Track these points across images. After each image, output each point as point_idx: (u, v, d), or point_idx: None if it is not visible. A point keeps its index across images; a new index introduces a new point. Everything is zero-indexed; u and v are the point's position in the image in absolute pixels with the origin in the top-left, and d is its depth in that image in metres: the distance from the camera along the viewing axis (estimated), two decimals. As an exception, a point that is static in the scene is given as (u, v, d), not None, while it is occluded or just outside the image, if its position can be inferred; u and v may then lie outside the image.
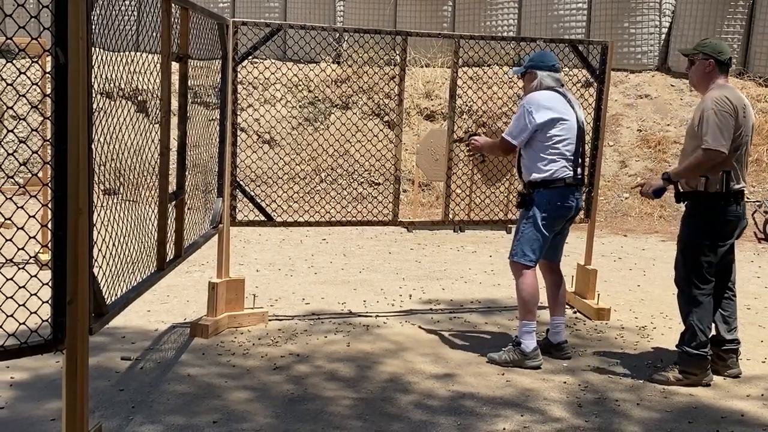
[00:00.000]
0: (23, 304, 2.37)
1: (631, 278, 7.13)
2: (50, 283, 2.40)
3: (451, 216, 5.87)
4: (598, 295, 5.85)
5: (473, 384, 4.28)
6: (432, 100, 11.82)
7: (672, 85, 11.91)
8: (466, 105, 5.85)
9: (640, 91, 11.87)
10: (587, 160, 4.78)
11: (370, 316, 5.55)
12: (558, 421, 3.81)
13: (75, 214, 2.35)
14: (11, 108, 2.21)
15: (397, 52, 5.38)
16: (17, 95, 2.33)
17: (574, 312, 5.87)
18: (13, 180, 6.16)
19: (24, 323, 2.44)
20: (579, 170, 4.70)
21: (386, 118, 11.46)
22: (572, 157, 4.63)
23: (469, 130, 6.32)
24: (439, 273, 7.15)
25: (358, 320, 5.47)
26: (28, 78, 2.25)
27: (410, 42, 6.06)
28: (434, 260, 7.71)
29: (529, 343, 4.58)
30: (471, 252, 8.18)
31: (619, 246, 8.74)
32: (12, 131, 2.19)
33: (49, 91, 2.31)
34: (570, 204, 4.66)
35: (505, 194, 8.69)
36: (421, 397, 4.06)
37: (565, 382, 4.35)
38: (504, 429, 3.68)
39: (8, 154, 2.11)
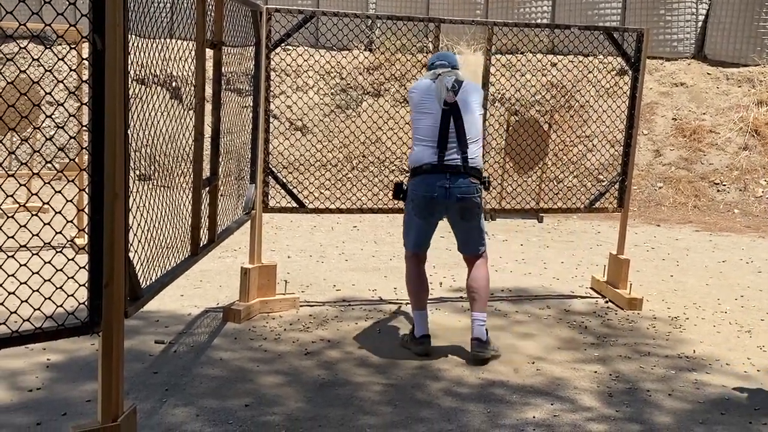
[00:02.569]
0: (60, 287, 2.41)
1: (664, 268, 7.06)
2: (87, 267, 2.44)
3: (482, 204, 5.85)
4: (630, 284, 5.81)
5: (503, 372, 4.28)
6: (464, 87, 11.76)
7: (708, 74, 11.73)
8: (499, 93, 5.81)
9: (675, 80, 11.71)
10: (475, 143, 4.40)
11: (401, 303, 5.56)
12: (588, 410, 3.80)
13: (111, 199, 2.39)
14: (49, 93, 2.25)
15: (430, 40, 5.36)
16: (54, 81, 2.37)
17: (606, 301, 5.84)
18: (51, 165, 6.27)
19: (61, 306, 2.49)
20: (452, 155, 4.34)
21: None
22: (433, 143, 4.36)
23: (503, 117, 6.27)
24: (469, 261, 7.13)
25: (389, 307, 5.49)
26: (66, 64, 2.28)
27: (442, 29, 6.03)
28: (465, 248, 7.69)
29: (417, 330, 4.50)
30: (502, 240, 8.15)
31: (652, 236, 8.65)
32: (51, 116, 2.23)
33: (86, 77, 2.34)
34: (434, 193, 4.36)
35: (537, 183, 8.65)
36: (450, 384, 4.07)
37: (595, 372, 4.33)
38: (534, 417, 3.67)
39: (47, 139, 2.15)
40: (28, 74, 2.18)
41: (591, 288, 6.22)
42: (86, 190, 2.39)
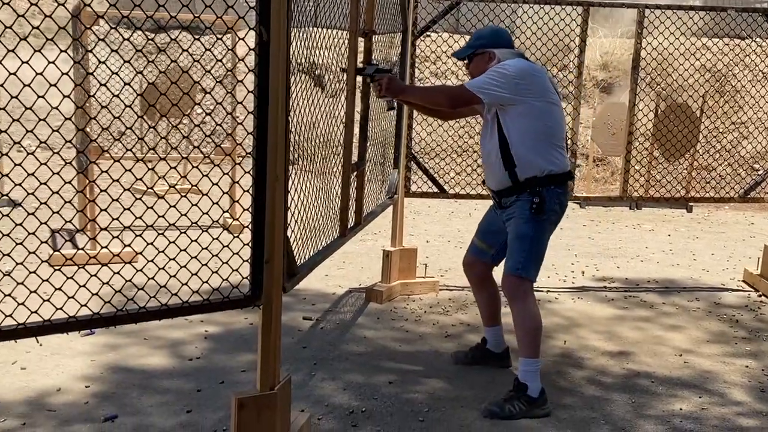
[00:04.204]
0: (226, 262, 2.57)
1: (825, 263, 6.66)
2: (249, 244, 2.60)
3: (628, 192, 5.73)
4: (787, 279, 5.54)
5: (649, 363, 4.20)
6: (609, 71, 11.46)
7: None
8: (649, 77, 5.64)
9: (842, 62, 10.96)
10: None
11: (541, 291, 5.53)
12: (738, 404, 3.67)
13: (273, 181, 2.53)
14: (219, 82, 2.40)
15: (578, 23, 5.28)
16: (212, 70, 2.52)
17: (759, 295, 5.59)
18: (220, 148, 6.64)
19: (226, 280, 2.67)
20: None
21: (561, 91, 11.25)
22: (563, 143, 3.63)
23: (652, 102, 6.06)
24: (613, 251, 6.99)
25: (529, 294, 5.46)
26: (235, 54, 2.43)
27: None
28: (608, 237, 7.54)
29: (536, 386, 3.49)
30: (648, 230, 7.92)
31: (812, 228, 8.18)
32: (221, 104, 2.38)
33: (252, 66, 2.49)
34: (567, 204, 3.67)
35: (687, 171, 8.34)
36: (594, 373, 4.03)
37: (747, 366, 4.17)
38: (681, 409, 3.59)
39: (217, 125, 2.30)
40: (202, 63, 2.34)
41: (743, 281, 5.97)
42: (250, 172, 2.54)
